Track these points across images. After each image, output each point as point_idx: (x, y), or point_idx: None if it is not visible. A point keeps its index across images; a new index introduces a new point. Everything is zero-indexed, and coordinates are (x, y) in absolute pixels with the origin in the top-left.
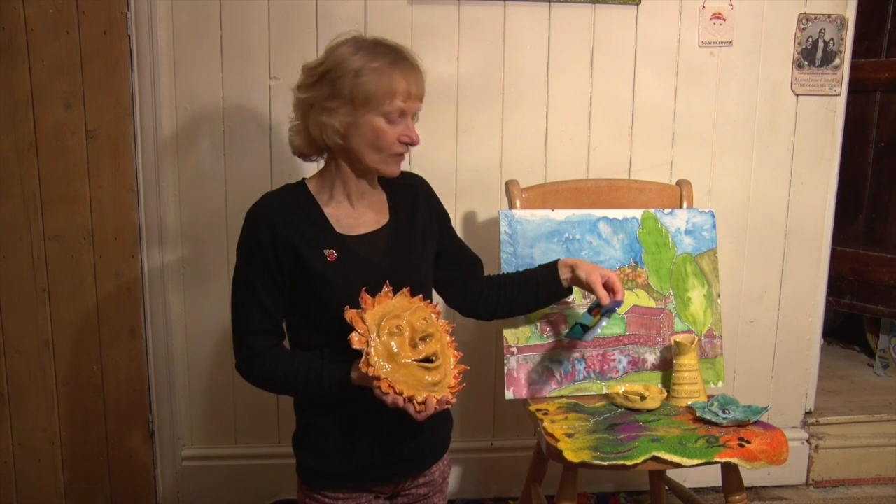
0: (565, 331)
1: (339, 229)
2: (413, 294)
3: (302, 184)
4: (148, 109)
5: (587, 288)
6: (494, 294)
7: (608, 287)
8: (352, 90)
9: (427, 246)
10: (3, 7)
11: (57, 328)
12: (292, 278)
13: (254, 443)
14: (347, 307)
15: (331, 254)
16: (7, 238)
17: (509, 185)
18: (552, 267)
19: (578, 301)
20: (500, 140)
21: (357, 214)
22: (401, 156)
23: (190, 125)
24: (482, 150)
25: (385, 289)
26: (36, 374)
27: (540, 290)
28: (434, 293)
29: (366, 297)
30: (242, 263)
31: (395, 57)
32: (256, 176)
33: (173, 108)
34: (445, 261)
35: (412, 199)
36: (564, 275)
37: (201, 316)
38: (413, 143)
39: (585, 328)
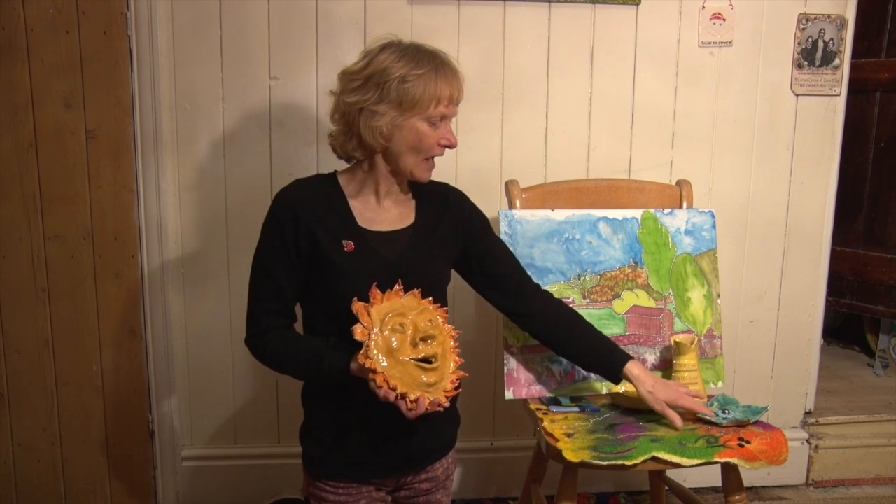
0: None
1: (360, 223)
2: (424, 296)
3: (333, 175)
4: (148, 109)
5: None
6: (548, 328)
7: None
8: (399, 95)
9: (447, 252)
10: (3, 7)
11: (57, 328)
12: (308, 264)
13: (254, 443)
14: (355, 299)
15: (348, 245)
16: (7, 238)
17: (509, 185)
18: (618, 365)
19: (578, 301)
20: (500, 140)
21: (381, 211)
22: (432, 161)
23: (190, 125)
24: (482, 150)
25: (396, 287)
26: (36, 374)
27: (594, 368)
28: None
29: (375, 292)
30: (263, 243)
31: (438, 63)
32: (256, 176)
33: (173, 108)
34: (477, 269)
35: (441, 206)
36: (625, 380)
37: (201, 316)
38: (452, 146)
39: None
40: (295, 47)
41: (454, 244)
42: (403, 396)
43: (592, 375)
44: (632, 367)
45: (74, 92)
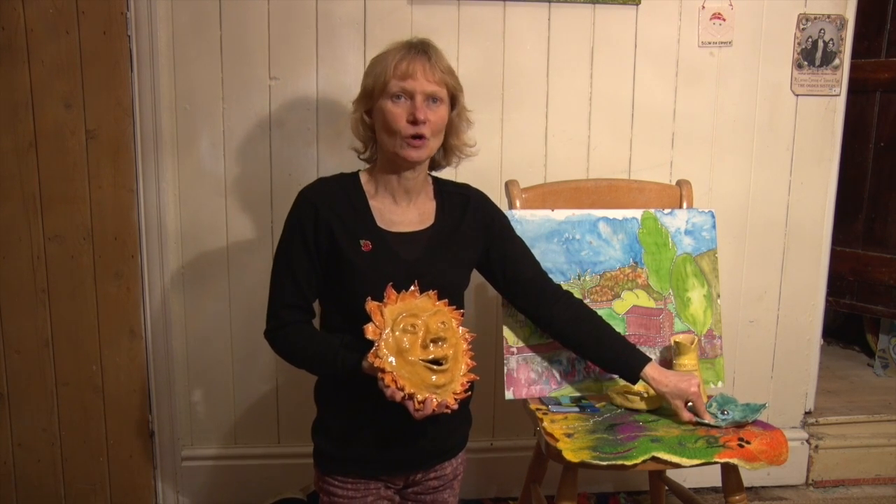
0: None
1: (380, 223)
2: (440, 298)
3: (355, 175)
4: (148, 109)
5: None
6: (570, 332)
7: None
8: (365, 84)
9: (466, 254)
10: (3, 7)
11: (57, 328)
12: (326, 261)
13: (254, 443)
14: (369, 298)
15: (366, 244)
16: (7, 238)
17: (509, 185)
18: (636, 365)
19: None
20: (500, 140)
21: (401, 212)
22: (415, 139)
23: (190, 125)
24: (482, 150)
25: (412, 287)
26: (36, 374)
27: (612, 369)
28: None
29: (390, 292)
30: (284, 238)
31: (407, 47)
32: (256, 176)
33: (173, 108)
34: (498, 272)
35: (462, 207)
36: (644, 379)
37: (201, 316)
38: (417, 121)
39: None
40: (295, 47)
41: (474, 246)
42: (411, 397)
43: (592, 375)
44: (649, 370)
45: (74, 92)
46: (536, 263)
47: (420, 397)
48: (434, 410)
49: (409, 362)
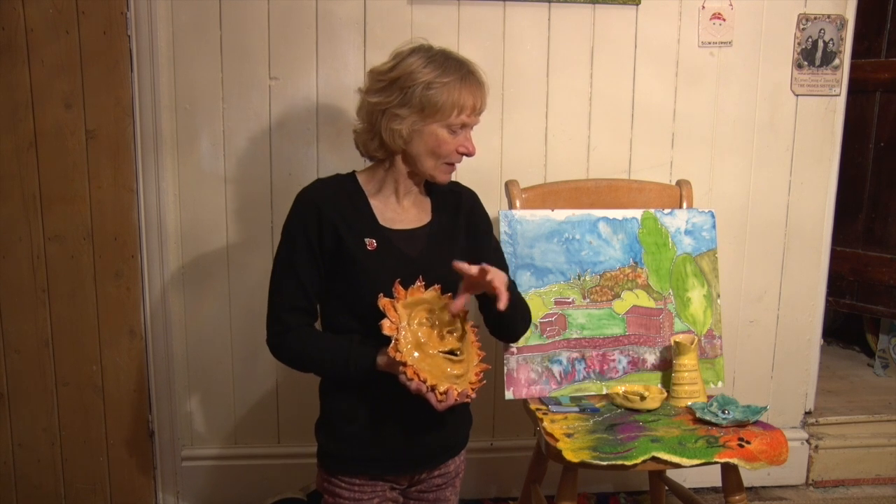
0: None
1: (381, 221)
2: (444, 292)
3: (352, 175)
4: (148, 109)
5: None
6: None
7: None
8: (422, 101)
9: (462, 248)
10: (3, 7)
11: (57, 328)
12: (331, 262)
13: (254, 443)
14: (381, 295)
15: (370, 243)
16: (7, 238)
17: (509, 185)
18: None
19: (578, 301)
20: (500, 140)
21: (401, 210)
22: (452, 165)
23: (190, 125)
24: (482, 150)
25: (418, 283)
26: (36, 374)
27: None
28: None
29: (399, 288)
30: (286, 241)
31: (464, 73)
32: (256, 176)
33: (173, 108)
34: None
35: (455, 204)
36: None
37: (201, 316)
38: (470, 154)
39: None
40: (295, 47)
41: (466, 242)
42: (433, 388)
43: (592, 375)
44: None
45: (74, 92)
46: (506, 268)
47: (442, 388)
48: (456, 400)
49: (428, 355)
